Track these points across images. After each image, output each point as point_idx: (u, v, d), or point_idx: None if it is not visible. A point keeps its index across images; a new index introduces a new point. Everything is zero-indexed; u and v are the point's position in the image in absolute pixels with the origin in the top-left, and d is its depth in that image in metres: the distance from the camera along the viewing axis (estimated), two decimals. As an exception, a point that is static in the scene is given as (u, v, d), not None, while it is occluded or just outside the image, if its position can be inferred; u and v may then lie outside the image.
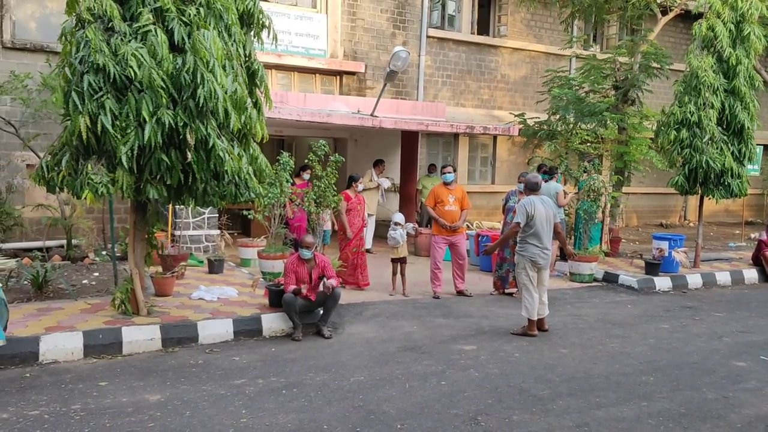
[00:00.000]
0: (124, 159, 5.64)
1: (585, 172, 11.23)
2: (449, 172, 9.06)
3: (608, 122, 12.70)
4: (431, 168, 13.80)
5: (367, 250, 12.40)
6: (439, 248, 9.00)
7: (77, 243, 10.13)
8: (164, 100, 5.66)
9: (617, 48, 13.53)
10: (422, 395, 5.26)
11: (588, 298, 9.23)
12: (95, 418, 4.64)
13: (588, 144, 13.25)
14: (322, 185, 8.90)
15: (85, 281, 8.49)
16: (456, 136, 15.28)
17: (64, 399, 4.99)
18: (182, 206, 6.75)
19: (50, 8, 10.83)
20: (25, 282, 7.80)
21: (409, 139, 13.14)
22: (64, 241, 10.04)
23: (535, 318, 7.07)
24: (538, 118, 14.07)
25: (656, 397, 5.39)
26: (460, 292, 9.04)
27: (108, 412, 4.75)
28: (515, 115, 14.23)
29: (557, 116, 13.41)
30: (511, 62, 16.13)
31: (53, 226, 10.01)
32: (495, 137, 15.75)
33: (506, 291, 9.24)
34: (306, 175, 10.38)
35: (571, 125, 13.11)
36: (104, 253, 9.99)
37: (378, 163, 12.64)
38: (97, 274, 8.99)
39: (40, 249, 9.77)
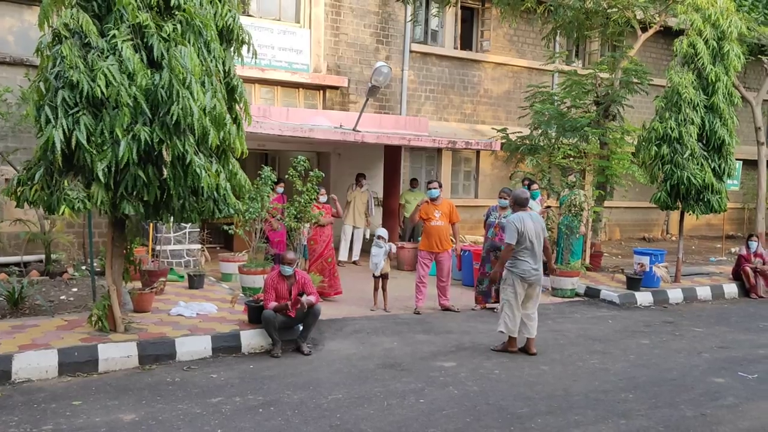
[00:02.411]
0: (101, 175, 5.58)
1: (569, 187, 11.29)
2: (434, 188, 9.06)
3: (590, 137, 12.80)
4: (413, 182, 13.83)
5: (354, 263, 12.40)
6: (425, 264, 8.98)
7: (56, 258, 10.01)
8: (127, 118, 5.59)
9: (598, 64, 13.67)
10: (400, 414, 5.22)
11: (569, 313, 9.25)
12: (67, 439, 4.57)
13: (570, 159, 13.35)
14: (303, 200, 8.86)
15: (63, 297, 8.38)
16: (439, 150, 15.32)
17: (36, 420, 4.90)
18: (160, 221, 6.65)
19: (29, 22, 10.74)
20: (0, 298, 7.68)
21: (392, 154, 13.17)
22: (43, 256, 9.91)
23: (516, 335, 7.02)
24: (521, 132, 14.14)
25: (635, 414, 5.38)
26: (445, 308, 9.02)
27: (80, 433, 4.67)
28: (498, 130, 14.30)
29: (539, 131, 13.49)
30: (494, 77, 16.23)
31: (32, 241, 9.89)
32: (478, 152, 15.81)
33: (488, 306, 9.23)
34: (280, 189, 10.36)
35: (553, 140, 13.19)
36: (84, 268, 9.87)
37: (358, 177, 12.68)
38: (75, 289, 8.87)
39: (17, 264, 9.64)
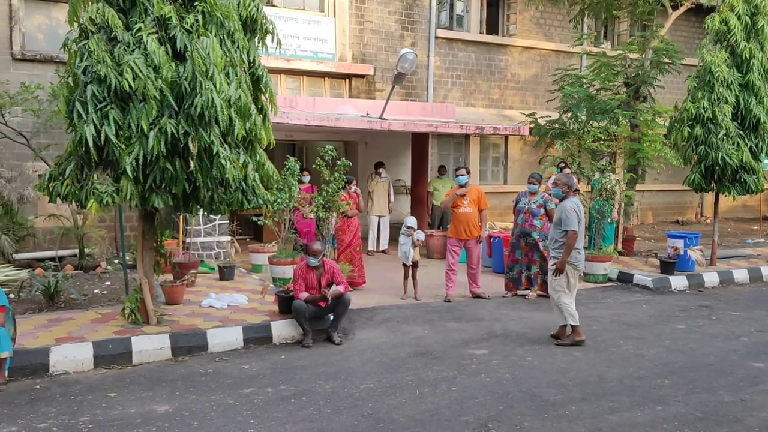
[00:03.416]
0: (128, 169, 5.63)
1: (600, 170, 11.08)
2: (462, 175, 8.96)
3: (620, 119, 12.54)
4: (441, 170, 13.72)
5: (383, 251, 12.37)
6: (454, 252, 8.91)
7: (89, 252, 10.17)
8: (155, 111, 5.63)
9: (628, 44, 13.36)
10: (432, 402, 5.19)
11: (602, 298, 9.11)
12: (103, 430, 4.63)
13: (601, 142, 13.10)
14: (330, 190, 8.85)
15: (96, 290, 8.52)
16: (467, 136, 15.19)
17: (73, 411, 4.98)
18: (189, 214, 6.70)
19: (57, 19, 10.89)
20: (37, 293, 7.83)
21: (419, 141, 13.08)
22: (77, 251, 10.08)
23: (579, 323, 6.83)
24: (549, 116, 13.93)
25: (671, 400, 5.27)
26: (476, 296, 8.95)
27: (116, 424, 4.73)
28: (526, 115, 14.10)
29: (568, 114, 13.27)
30: (521, 61, 16.00)
31: (66, 236, 10.07)
32: (506, 137, 15.64)
33: (519, 292, 9.14)
34: (305, 178, 10.34)
35: (583, 123, 12.96)
36: (116, 261, 10.03)
37: (377, 166, 12.64)
38: (108, 283, 9.01)
39: (52, 259, 9.83)
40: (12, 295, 7.63)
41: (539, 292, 9.03)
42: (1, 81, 9.90)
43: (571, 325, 6.81)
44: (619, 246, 11.58)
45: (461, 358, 6.35)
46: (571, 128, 13.18)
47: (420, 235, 8.93)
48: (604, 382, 5.68)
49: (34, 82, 10.07)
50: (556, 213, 7.06)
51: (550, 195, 9.34)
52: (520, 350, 6.61)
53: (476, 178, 15.16)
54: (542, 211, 8.90)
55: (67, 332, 6.50)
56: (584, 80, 13.42)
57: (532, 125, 13.72)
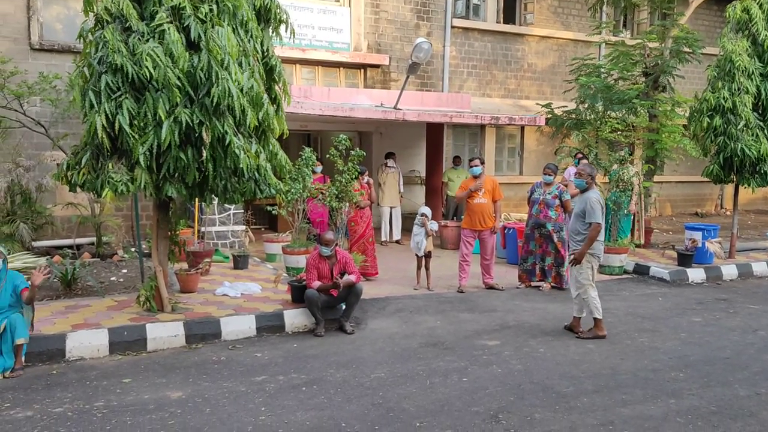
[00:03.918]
0: (141, 159, 5.67)
1: (619, 161, 10.96)
2: (476, 166, 8.91)
3: (638, 110, 12.39)
4: (456, 160, 13.67)
5: (396, 242, 12.36)
6: (468, 242, 8.88)
7: (106, 240, 10.28)
8: (178, 99, 5.67)
9: (647, 33, 13.18)
10: (443, 392, 5.19)
11: (617, 290, 9.04)
12: (117, 415, 4.68)
13: (618, 133, 12.96)
14: (344, 180, 8.85)
15: (113, 278, 8.61)
16: (482, 127, 15.11)
17: (88, 396, 5.04)
18: (204, 203, 6.74)
19: (75, 9, 10.96)
20: (55, 280, 7.93)
21: (434, 131, 13.03)
22: (94, 239, 10.19)
23: (602, 317, 6.77)
24: (566, 107, 13.81)
25: (685, 394, 5.23)
26: (489, 287, 8.93)
27: (130, 410, 4.78)
28: (542, 105, 13.99)
29: (585, 105, 13.14)
30: (538, 51, 15.86)
31: (83, 224, 10.17)
32: (522, 127, 15.54)
33: (533, 284, 9.10)
34: (318, 168, 10.34)
35: (600, 113, 12.83)
36: (132, 250, 10.12)
37: (387, 157, 12.60)
38: (125, 270, 9.10)
39: (70, 247, 9.94)
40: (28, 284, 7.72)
41: (553, 284, 8.99)
42: (19, 71, 9.99)
43: (595, 319, 6.75)
44: (639, 238, 11.46)
45: (473, 348, 6.34)
46: (588, 119, 13.05)
47: (434, 225, 8.92)
48: (618, 375, 5.64)
49: (52, 72, 10.16)
50: (578, 204, 6.95)
51: (565, 186, 9.28)
52: (532, 341, 6.59)
53: (491, 168, 15.09)
54: (557, 202, 8.83)
55: (83, 319, 6.58)
56: (602, 70, 13.27)
57: (549, 115, 13.61)
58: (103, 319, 6.56)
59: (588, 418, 4.71)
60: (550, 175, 8.93)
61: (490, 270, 8.98)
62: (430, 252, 8.83)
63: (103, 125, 5.60)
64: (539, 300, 8.42)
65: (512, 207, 14.80)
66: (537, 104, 14.40)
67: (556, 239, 8.80)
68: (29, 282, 5.75)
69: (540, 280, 9.04)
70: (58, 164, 10.01)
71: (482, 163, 9.03)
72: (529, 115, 13.48)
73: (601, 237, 6.78)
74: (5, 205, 9.29)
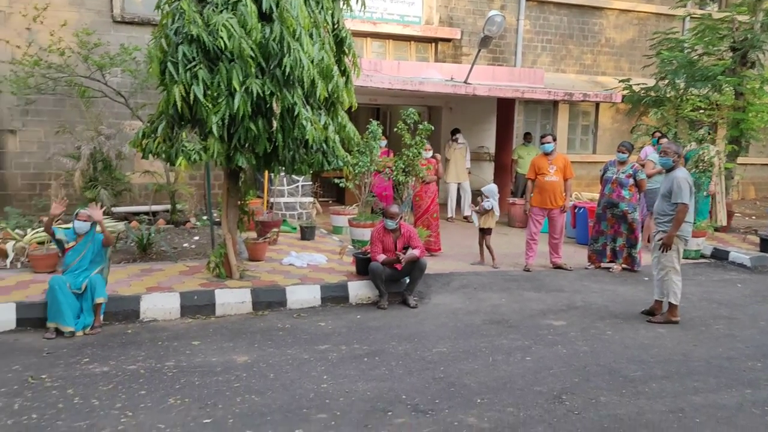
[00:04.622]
0: (214, 128, 5.78)
1: (698, 141, 10.46)
2: (548, 142, 8.68)
3: (723, 87, 11.75)
4: (527, 137, 13.36)
5: (465, 218, 12.22)
6: (537, 221, 8.70)
7: (180, 208, 10.62)
8: (253, 69, 5.73)
9: (737, 6, 12.43)
10: (505, 370, 5.13)
11: (693, 275, 8.67)
12: (186, 375, 4.85)
13: (700, 111, 12.36)
14: (411, 154, 8.80)
15: (185, 244, 8.90)
16: (555, 103, 14.70)
17: (160, 356, 5.24)
18: (272, 174, 6.85)
19: (155, -18, 11.22)
20: (132, 244, 8.27)
21: (505, 107, 12.78)
22: (169, 206, 10.56)
23: (678, 302, 6.51)
24: (645, 83, 13.25)
25: (763, 384, 4.98)
26: (557, 266, 8.74)
27: (198, 371, 4.95)
28: (620, 81, 13.47)
29: (666, 81, 12.56)
30: (617, 25, 15.24)
31: (159, 192, 10.55)
32: (597, 104, 15.03)
33: (603, 265, 8.84)
34: (382, 142, 10.29)
35: (681, 91, 12.25)
36: (204, 218, 10.42)
37: (453, 132, 12.44)
38: (197, 237, 9.39)
39: (146, 213, 10.32)
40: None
41: (624, 266, 8.72)
42: (102, 43, 10.36)
43: (670, 303, 6.51)
44: (719, 221, 10.94)
45: (538, 328, 6.23)
46: (668, 96, 12.49)
47: (486, 203, 8.65)
48: (690, 361, 5.43)
49: (132, 44, 10.49)
50: (664, 184, 6.62)
51: (641, 166, 8.93)
52: (600, 323, 6.41)
53: (563, 146, 14.70)
54: (631, 181, 8.51)
55: (156, 282, 6.84)
56: (685, 44, 12.65)
57: (626, 92, 13.10)
58: (175, 283, 6.80)
59: (656, 404, 4.56)
60: (624, 153, 8.60)
61: (559, 249, 8.79)
62: (488, 228, 8.66)
63: (181, 95, 5.73)
64: (608, 281, 8.19)
65: (583, 186, 14.42)
66: (615, 80, 13.89)
67: (629, 220, 8.50)
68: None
69: (610, 261, 8.79)
70: (136, 133, 10.39)
71: (554, 140, 8.79)
72: (605, 91, 13.02)
73: (690, 218, 6.48)
74: (88, 171, 9.70)
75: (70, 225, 6.34)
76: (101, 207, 6.24)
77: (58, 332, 5.64)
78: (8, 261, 7.39)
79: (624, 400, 4.61)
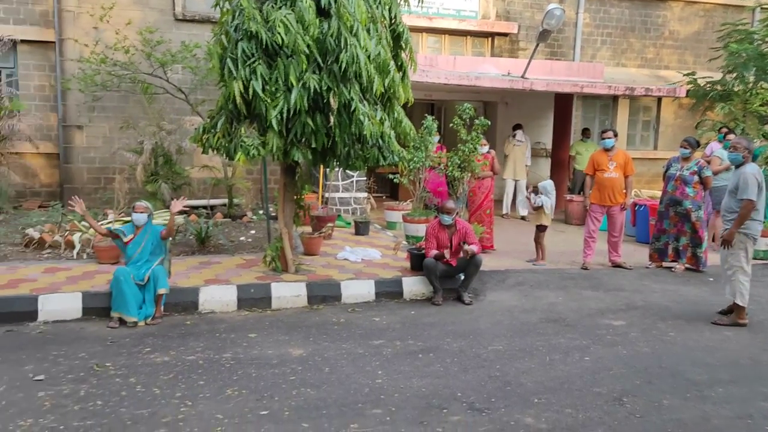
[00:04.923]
0: (273, 122, 5.84)
1: (766, 137, 10.03)
2: (609, 138, 8.47)
3: (796, 81, 11.24)
4: (586, 132, 13.07)
5: (522, 218, 12.01)
6: (596, 218, 8.49)
7: (237, 202, 10.81)
8: (305, 66, 5.75)
9: (812, -5, 11.86)
10: (563, 370, 5.03)
11: (762, 276, 8.30)
12: (243, 367, 4.93)
13: (770, 106, 11.84)
14: (467, 149, 8.71)
15: (242, 238, 9.05)
16: (615, 98, 14.32)
17: (218, 347, 5.34)
18: (328, 169, 6.88)
19: (215, -20, 11.43)
20: (190, 237, 8.46)
21: (562, 102, 12.53)
22: (226, 200, 10.76)
23: (745, 304, 6.24)
24: (711, 77, 12.77)
25: (838, 392, 4.73)
26: (616, 265, 8.52)
27: (255, 363, 5.01)
28: (684, 75, 13.02)
29: (734, 75, 12.07)
30: (682, 17, 14.72)
31: (216, 186, 10.76)
32: (659, 99, 14.57)
33: (665, 265, 8.57)
34: (436, 138, 10.20)
35: (750, 84, 11.75)
36: (260, 212, 10.58)
37: (515, 128, 12.23)
38: (253, 231, 9.54)
39: (205, 207, 10.55)
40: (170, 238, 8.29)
41: (687, 266, 8.42)
42: (164, 40, 10.63)
43: (737, 305, 6.25)
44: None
45: (596, 327, 6.08)
46: (735, 90, 12.00)
47: (537, 200, 8.46)
48: (759, 366, 5.20)
49: (192, 41, 10.72)
50: (732, 179, 6.34)
51: (707, 162, 8.62)
52: (661, 324, 6.21)
53: (623, 142, 14.31)
54: (696, 178, 8.21)
55: (214, 275, 6.97)
56: (755, 36, 12.11)
57: (690, 86, 12.66)
58: (232, 276, 6.91)
59: (722, 410, 4.38)
60: (686, 148, 8.31)
61: (618, 248, 8.56)
62: (542, 225, 8.47)
63: (240, 91, 5.82)
64: (671, 281, 7.93)
65: (644, 183, 14.03)
66: (678, 74, 13.43)
67: (693, 218, 8.21)
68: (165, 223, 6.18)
69: (673, 261, 8.50)
70: (196, 128, 10.61)
71: (615, 135, 8.56)
72: (667, 85, 12.61)
73: (760, 216, 6.19)
74: (150, 165, 9.98)
75: (130, 219, 6.52)
76: (182, 198, 6.36)
77: (122, 322, 5.81)
78: (75, 252, 7.66)
79: (688, 405, 4.45)
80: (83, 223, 8.35)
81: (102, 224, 8.17)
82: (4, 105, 10.23)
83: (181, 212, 9.95)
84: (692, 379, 4.88)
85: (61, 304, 5.98)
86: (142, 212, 6.18)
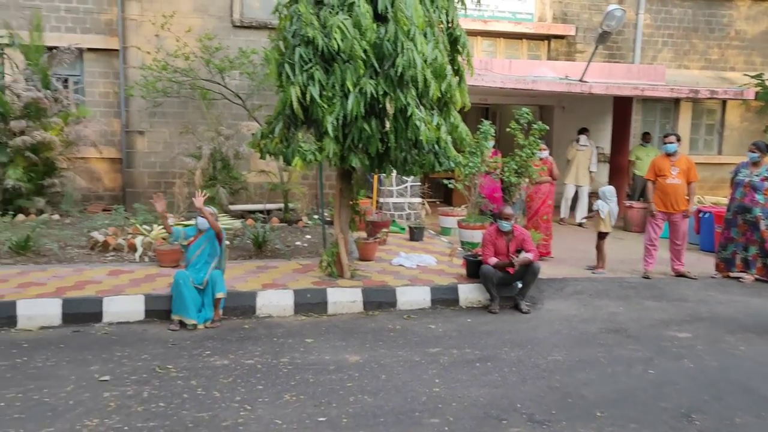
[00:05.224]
0: (330, 128, 5.87)
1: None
2: (671, 142, 8.19)
3: None
4: (646, 137, 12.69)
5: (580, 224, 11.72)
6: (657, 225, 8.23)
7: (293, 207, 10.92)
8: (362, 71, 5.75)
9: None
10: (626, 382, 4.87)
11: (836, 288, 7.91)
12: (301, 372, 4.94)
13: None
14: (524, 155, 8.57)
15: (298, 243, 9.12)
16: (677, 101, 13.88)
17: (275, 352, 5.38)
18: (383, 174, 6.87)
19: (272, -12, 11.61)
20: (248, 241, 8.57)
21: (622, 106, 12.21)
22: (282, 205, 10.89)
23: None
24: (781, 79, 12.25)
25: None
26: (679, 274, 8.23)
27: (312, 368, 5.03)
28: (751, 77, 12.52)
29: (806, 76, 11.56)
30: (749, 16, 14.17)
31: (273, 191, 10.90)
32: (724, 102, 14.04)
33: (732, 275, 8.23)
34: (490, 143, 10.06)
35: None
36: (316, 217, 10.66)
37: (580, 132, 11.95)
38: (309, 236, 9.61)
39: (261, 211, 10.70)
40: (227, 242, 8.43)
41: (758, 276, 8.07)
42: (222, 47, 10.84)
43: None
44: None
45: (660, 339, 5.88)
46: (807, 91, 11.48)
47: (597, 206, 8.22)
48: (837, 384, 4.93)
49: (249, 47, 10.92)
50: None
51: None
52: (730, 337, 5.96)
53: (685, 147, 13.84)
54: (766, 185, 7.87)
55: (271, 279, 7.04)
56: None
57: (759, 88, 12.16)
58: (288, 281, 6.97)
59: (800, 430, 4.16)
60: (755, 152, 7.98)
61: (681, 256, 8.26)
62: (602, 232, 8.24)
63: (297, 96, 5.86)
64: (738, 292, 7.61)
65: (707, 190, 13.55)
66: (745, 75, 12.93)
67: (763, 227, 7.87)
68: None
69: (741, 271, 8.16)
70: (252, 134, 10.77)
71: (678, 140, 8.27)
72: (734, 87, 12.15)
73: None
74: (208, 170, 10.19)
75: (192, 222, 6.64)
76: (205, 195, 6.42)
77: (182, 324, 5.92)
78: (137, 255, 7.86)
79: (763, 423, 4.24)
80: (144, 226, 8.57)
81: (162, 228, 8.40)
82: (72, 112, 10.61)
83: (238, 216, 10.16)
84: (765, 396, 4.66)
85: (124, 306, 6.14)
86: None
